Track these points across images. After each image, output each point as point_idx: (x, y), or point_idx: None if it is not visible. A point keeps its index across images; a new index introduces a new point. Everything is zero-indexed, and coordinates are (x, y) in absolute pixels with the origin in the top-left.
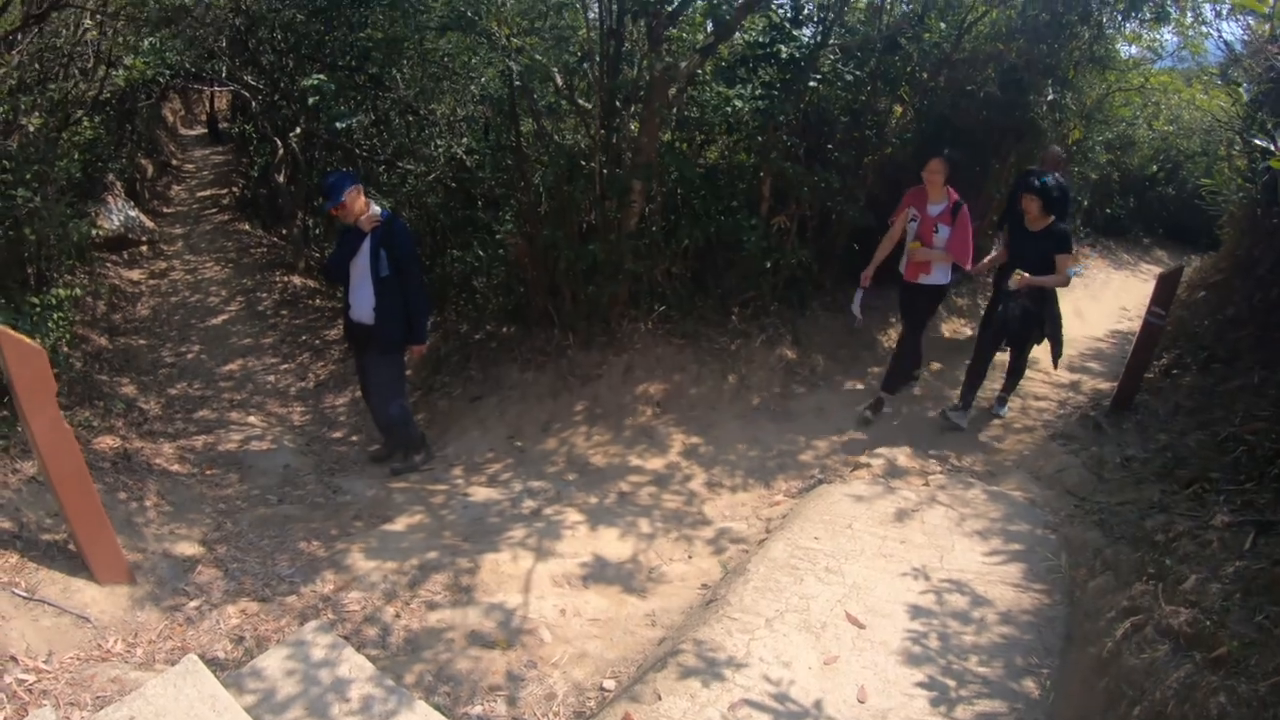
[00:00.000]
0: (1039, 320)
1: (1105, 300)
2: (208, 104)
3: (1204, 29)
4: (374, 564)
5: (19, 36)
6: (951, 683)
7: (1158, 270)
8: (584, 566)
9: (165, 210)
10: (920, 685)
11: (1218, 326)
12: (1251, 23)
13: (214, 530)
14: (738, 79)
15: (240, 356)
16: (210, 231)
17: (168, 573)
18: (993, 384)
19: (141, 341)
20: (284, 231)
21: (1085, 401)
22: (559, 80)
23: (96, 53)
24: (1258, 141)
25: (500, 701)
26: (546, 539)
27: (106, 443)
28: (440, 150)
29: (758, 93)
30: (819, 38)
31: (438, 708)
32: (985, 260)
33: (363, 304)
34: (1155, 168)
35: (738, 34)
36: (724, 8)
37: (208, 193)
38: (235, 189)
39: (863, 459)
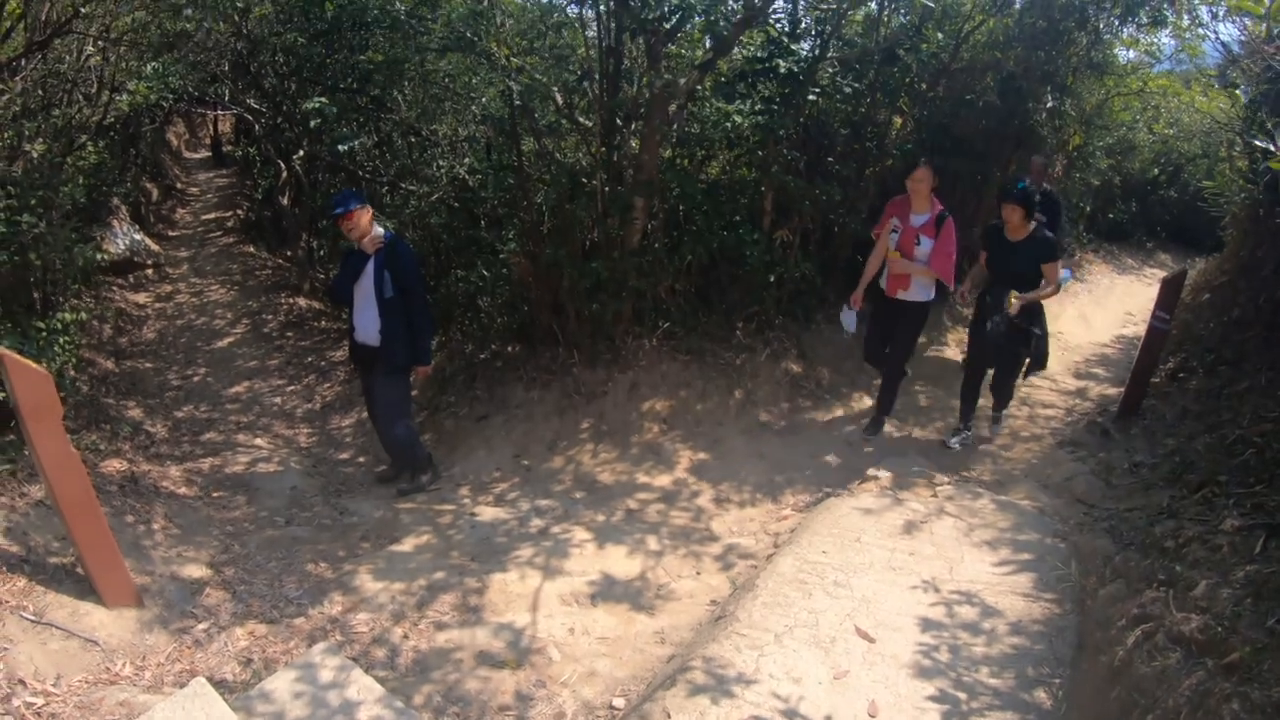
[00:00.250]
0: (1026, 338)
1: (1110, 305)
2: (211, 127)
3: (1201, 31)
4: (382, 585)
5: (23, 63)
6: (963, 695)
7: (1161, 274)
8: (592, 585)
9: (170, 233)
10: (931, 699)
11: (1223, 329)
12: (1248, 23)
13: (221, 553)
14: (737, 94)
15: (246, 379)
16: (215, 254)
17: (176, 595)
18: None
19: (148, 364)
20: (289, 253)
21: (1092, 408)
22: (559, 99)
23: (100, 78)
24: (1258, 142)
25: None
26: (554, 557)
27: (114, 466)
28: (443, 171)
29: (757, 107)
30: (817, 51)
31: None
32: (965, 284)
33: (368, 325)
34: (1156, 171)
35: (736, 49)
36: (721, 24)
37: (212, 216)
38: (240, 212)
39: (870, 471)
